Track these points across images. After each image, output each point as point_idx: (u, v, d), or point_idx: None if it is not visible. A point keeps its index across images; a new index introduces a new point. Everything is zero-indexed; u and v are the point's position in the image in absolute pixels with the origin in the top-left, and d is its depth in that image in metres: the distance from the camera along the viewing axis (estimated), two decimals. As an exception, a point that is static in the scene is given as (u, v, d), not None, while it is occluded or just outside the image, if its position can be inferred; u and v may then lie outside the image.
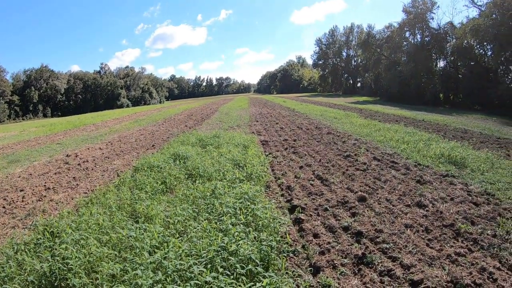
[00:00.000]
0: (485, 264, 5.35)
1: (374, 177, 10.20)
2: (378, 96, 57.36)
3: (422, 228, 6.77)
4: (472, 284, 4.84)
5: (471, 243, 6.09)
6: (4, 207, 9.66)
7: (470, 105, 36.46)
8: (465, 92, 39.73)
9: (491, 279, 5.00)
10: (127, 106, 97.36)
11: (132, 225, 6.78)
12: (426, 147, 13.25)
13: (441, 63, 48.98)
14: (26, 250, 6.30)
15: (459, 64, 43.70)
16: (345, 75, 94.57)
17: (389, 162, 11.58)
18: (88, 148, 18.57)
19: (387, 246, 6.12)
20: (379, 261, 5.70)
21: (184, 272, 4.83)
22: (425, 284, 4.90)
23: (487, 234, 6.33)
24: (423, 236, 6.47)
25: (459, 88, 41.28)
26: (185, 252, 5.34)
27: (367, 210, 7.81)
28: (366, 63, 74.74)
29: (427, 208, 7.68)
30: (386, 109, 32.99)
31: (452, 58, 44.87)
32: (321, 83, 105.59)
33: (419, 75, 46.38)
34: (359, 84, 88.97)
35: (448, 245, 6.08)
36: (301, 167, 11.93)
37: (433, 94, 43.74)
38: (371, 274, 5.40)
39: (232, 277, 4.71)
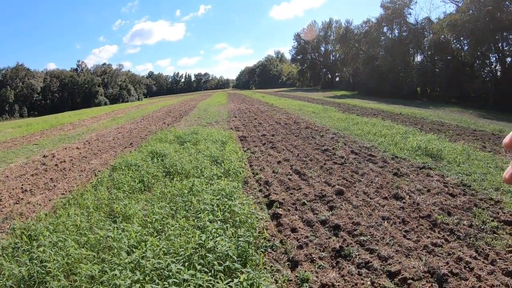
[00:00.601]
0: (461, 253, 5.49)
1: (351, 170, 10.34)
2: (356, 90, 57.83)
3: (399, 220, 6.90)
4: (449, 274, 4.95)
5: (448, 233, 6.23)
6: (-20, 212, 9.44)
7: (447, 99, 37.09)
8: (442, 86, 40.37)
9: (467, 268, 5.13)
10: (105, 104, 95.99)
11: (110, 225, 6.75)
12: (403, 140, 13.46)
13: (419, 58, 49.89)
14: (4, 254, 6.22)
15: (436, 58, 44.47)
16: (324, 69, 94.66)
17: (367, 156, 11.73)
18: (65, 148, 18.27)
19: (365, 239, 6.22)
20: (357, 253, 5.79)
21: (162, 270, 4.85)
22: (403, 274, 5.00)
23: (463, 225, 6.49)
24: (400, 228, 6.59)
25: (436, 82, 41.98)
26: (163, 251, 5.36)
27: (345, 204, 7.92)
28: (345, 57, 74.90)
29: (404, 200, 7.82)
30: (364, 103, 33.35)
31: (430, 52, 45.53)
32: (300, 77, 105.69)
33: (396, 69, 47.02)
34: (337, 79, 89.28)
35: (425, 236, 6.22)
36: (279, 162, 12.01)
37: (411, 88, 44.48)
38: (349, 266, 5.48)
39: (210, 274, 4.74)
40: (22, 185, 11.62)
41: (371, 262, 5.47)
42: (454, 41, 41.00)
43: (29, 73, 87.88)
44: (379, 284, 4.91)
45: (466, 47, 39.48)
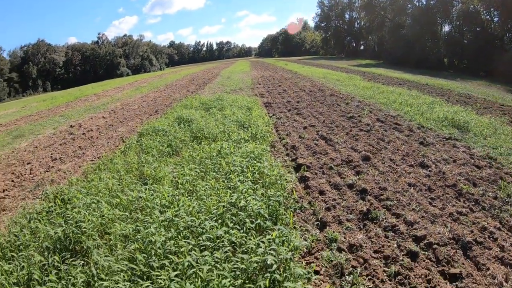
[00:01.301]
0: (486, 224, 5.45)
1: (377, 137, 10.29)
2: (382, 59, 56.23)
3: (425, 187, 6.89)
4: (473, 242, 4.95)
5: (473, 203, 6.19)
6: (13, 180, 9.75)
7: (475, 71, 35.84)
8: (470, 58, 38.90)
9: (491, 238, 5.10)
10: (127, 74, 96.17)
11: (141, 187, 6.90)
12: (430, 110, 13.22)
13: (446, 28, 47.96)
14: (39, 218, 6.42)
15: (464, 29, 42.66)
16: (348, 37, 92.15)
17: (393, 124, 11.61)
18: (91, 118, 18.55)
19: (391, 204, 6.26)
20: (384, 217, 5.84)
21: (195, 228, 4.96)
22: (428, 239, 5.03)
23: (489, 196, 6.42)
24: (426, 195, 6.59)
25: (464, 54, 40.46)
26: (195, 210, 5.47)
27: (371, 169, 7.91)
28: (370, 25, 72.73)
29: (430, 169, 7.77)
30: (390, 72, 32.60)
31: (458, 23, 43.85)
32: (324, 46, 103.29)
33: (423, 39, 45.40)
34: (362, 47, 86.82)
35: (450, 204, 6.20)
36: (305, 128, 12.01)
37: (438, 58, 43.01)
38: (376, 229, 5.54)
39: (242, 231, 4.84)
40: (52, 154, 11.92)
41: (397, 226, 5.51)
42: (484, 12, 39.26)
43: (50, 48, 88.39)
44: (405, 247, 4.95)
45: (496, 19, 37.91)
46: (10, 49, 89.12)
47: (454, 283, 4.28)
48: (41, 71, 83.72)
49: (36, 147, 13.33)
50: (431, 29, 45.55)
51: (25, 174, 10.16)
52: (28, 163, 11.22)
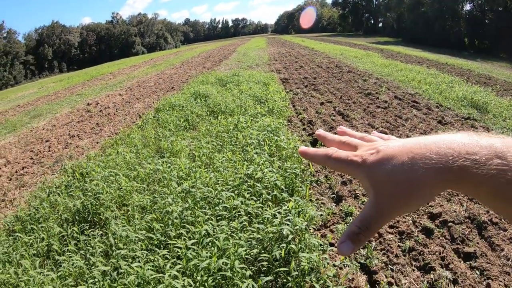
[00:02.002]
0: None
1: (395, 115, 10.16)
2: (400, 37, 55.24)
3: (442, 166, 6.82)
4: (489, 222, 4.88)
5: None
6: (32, 158, 9.94)
7: (496, 53, 34.85)
8: (491, 39, 37.90)
9: (506, 220, 5.07)
10: (143, 53, 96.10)
11: (159, 160, 6.96)
12: (449, 89, 12.95)
13: (468, 6, 46.48)
14: (58, 192, 6.56)
15: (486, 8, 41.37)
16: (366, 14, 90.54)
17: (411, 102, 11.44)
18: (108, 96, 18.68)
19: (408, 179, 6.22)
20: (400, 192, 5.81)
21: (212, 198, 5.00)
22: (444, 217, 4.99)
23: None
24: (443, 173, 6.54)
25: (485, 34, 39.35)
26: (212, 181, 5.51)
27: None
28: (388, 2, 71.09)
29: (447, 147, 7.69)
30: (408, 51, 31.99)
31: (480, 1, 42.58)
32: (341, 22, 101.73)
33: (443, 17, 44.32)
34: (380, 24, 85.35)
35: None
36: (322, 104, 11.92)
37: (458, 38, 42.02)
38: (392, 204, 5.53)
39: (258, 202, 4.86)
40: (69, 131, 12.11)
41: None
42: (507, -9, 38.16)
43: (65, 30, 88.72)
44: (420, 223, 4.93)
45: (519, -1, 36.78)
46: (25, 32, 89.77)
47: (468, 262, 4.24)
48: (56, 52, 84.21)
49: (54, 125, 13.55)
50: (451, 7, 44.35)
51: (43, 152, 10.34)
52: (46, 141, 11.41)
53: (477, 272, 4.10)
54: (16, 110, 19.74)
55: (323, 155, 0.72)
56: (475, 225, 4.87)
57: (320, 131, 0.85)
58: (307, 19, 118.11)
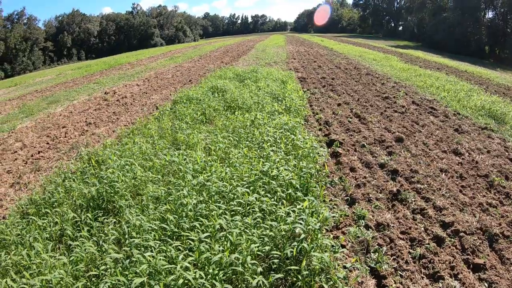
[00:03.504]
0: None
1: (412, 120, 10.10)
2: (420, 42, 54.63)
3: (456, 175, 6.75)
4: (500, 235, 4.84)
5: (504, 196, 6.02)
6: (48, 143, 10.04)
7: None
8: (512, 49, 37.59)
9: None
10: (161, 45, 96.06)
11: (174, 152, 6.99)
12: (467, 97, 12.79)
13: (490, 14, 46.11)
14: (73, 178, 6.62)
15: (508, 17, 40.94)
16: (387, 17, 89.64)
17: (428, 108, 11.35)
18: (126, 85, 18.81)
19: (421, 187, 6.18)
20: (413, 199, 5.78)
21: (226, 193, 5.03)
22: (455, 227, 4.96)
23: None
24: (457, 182, 6.47)
25: (507, 43, 38.94)
26: (228, 176, 5.54)
27: (404, 151, 7.81)
28: (410, 5, 70.23)
29: (463, 156, 7.60)
30: (428, 56, 31.66)
31: (502, 10, 42.01)
32: (361, 24, 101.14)
33: (465, 24, 43.75)
34: (400, 28, 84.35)
35: (481, 194, 6.06)
36: (339, 105, 11.91)
37: (478, 46, 41.53)
38: (404, 210, 5.51)
39: (273, 199, 4.88)
40: (86, 119, 12.20)
41: (426, 209, 5.46)
42: (531, 1, 37.50)
43: (85, 18, 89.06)
44: (432, 231, 4.90)
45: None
46: (45, 19, 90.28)
47: (477, 273, 4.23)
48: (75, 40, 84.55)
49: (71, 112, 13.66)
50: (473, 15, 43.81)
51: (60, 137, 10.44)
52: (63, 127, 11.51)
53: (486, 284, 4.08)
54: (34, 95, 19.90)
55: None
56: (486, 237, 4.84)
57: None
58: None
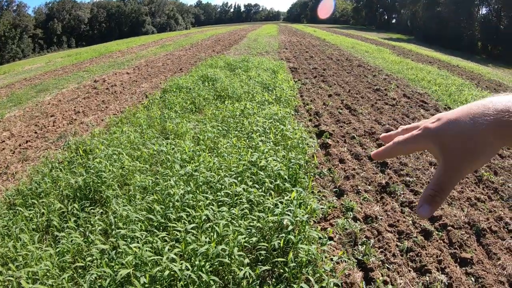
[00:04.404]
0: (502, 213, 5.30)
1: (402, 113, 10.10)
2: (413, 35, 54.84)
3: (445, 169, 6.77)
4: (488, 230, 4.84)
5: (492, 191, 6.02)
6: (36, 132, 9.91)
7: (508, 60, 34.53)
8: (505, 45, 37.57)
9: (506, 229, 4.95)
10: (152, 32, 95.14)
11: (163, 141, 6.94)
12: (458, 92, 12.82)
13: (484, 10, 46.27)
14: (60, 167, 6.56)
15: (502, 14, 41.03)
16: (380, 9, 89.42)
17: (419, 101, 11.35)
18: (115, 74, 18.58)
19: (410, 180, 6.17)
20: (402, 192, 5.77)
21: (214, 184, 4.98)
22: (443, 221, 4.95)
23: (508, 186, 6.23)
24: (446, 177, 6.49)
25: (499, 40, 39.07)
26: (216, 166, 5.48)
27: (394, 143, 7.82)
28: (404, -2, 70.92)
29: (453, 151, 7.64)
30: (420, 49, 31.67)
31: (496, 6, 42.10)
32: (354, 15, 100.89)
33: (458, 19, 43.95)
34: (394, 21, 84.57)
35: (469, 189, 6.05)
36: (330, 96, 11.89)
37: (471, 41, 41.81)
38: (393, 203, 5.49)
39: (261, 190, 4.84)
40: (75, 107, 12.05)
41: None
42: (526, -2, 37.56)
43: (75, 5, 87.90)
44: (420, 225, 4.89)
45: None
46: (35, 6, 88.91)
47: (464, 267, 4.23)
48: (66, 27, 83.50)
49: (59, 100, 13.49)
50: (467, 10, 43.96)
51: (48, 126, 10.31)
52: (51, 116, 11.36)
53: (472, 278, 4.08)
54: (22, 83, 19.62)
55: (392, 145, 0.81)
56: (474, 232, 4.84)
57: (383, 134, 0.95)
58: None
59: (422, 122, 0.79)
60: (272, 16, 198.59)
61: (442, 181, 0.69)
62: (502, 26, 39.93)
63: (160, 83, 14.71)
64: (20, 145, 8.98)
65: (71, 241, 4.21)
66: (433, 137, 0.72)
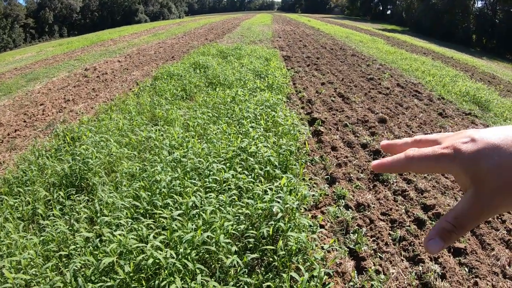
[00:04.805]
0: None
1: (396, 102, 10.04)
2: (408, 27, 54.54)
3: (439, 158, 6.71)
4: None
5: None
6: (25, 121, 9.76)
7: (502, 53, 34.66)
8: (499, 39, 37.61)
9: (499, 219, 4.96)
10: (145, 21, 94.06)
11: (152, 128, 6.85)
12: (452, 83, 12.77)
13: (479, 4, 46.24)
14: (47, 155, 6.45)
15: (497, 8, 40.90)
16: (375, 0, 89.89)
17: (413, 91, 11.30)
18: (107, 62, 18.36)
19: (404, 169, 6.12)
20: (394, 181, 5.70)
21: (202, 170, 4.86)
22: (437, 209, 4.88)
23: None
24: (440, 166, 6.42)
25: (494, 33, 39.05)
26: (204, 152, 5.36)
27: (387, 132, 7.74)
28: (399, -10, 70.70)
29: (446, 140, 7.58)
30: (415, 41, 31.59)
31: (492, 0, 42.28)
32: (349, 6, 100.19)
33: (453, 11, 43.79)
34: (388, 12, 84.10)
35: None
36: (323, 84, 11.78)
37: (466, 34, 41.59)
38: (385, 191, 5.43)
39: (250, 176, 4.72)
40: (65, 96, 11.89)
41: (407, 191, 5.39)
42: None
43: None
44: (413, 213, 4.84)
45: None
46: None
47: (457, 258, 4.17)
48: (57, 16, 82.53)
49: (49, 89, 13.30)
50: (462, 2, 43.77)
51: (37, 115, 10.16)
52: (41, 104, 11.20)
53: (466, 269, 4.02)
54: (12, 73, 19.32)
55: (404, 159, 0.63)
56: (468, 222, 4.77)
57: (385, 142, 0.75)
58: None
59: (445, 136, 0.64)
60: (266, 5, 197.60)
61: (466, 216, 0.56)
62: (497, 19, 39.88)
63: (152, 70, 14.55)
64: (8, 134, 8.83)
65: (56, 229, 4.10)
66: (465, 164, 0.57)
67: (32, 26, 76.19)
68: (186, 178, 4.66)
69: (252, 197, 4.28)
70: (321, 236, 4.32)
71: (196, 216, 3.93)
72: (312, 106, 9.30)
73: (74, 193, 5.02)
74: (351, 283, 3.76)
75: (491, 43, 40.27)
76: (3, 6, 67.89)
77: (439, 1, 46.31)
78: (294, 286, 3.43)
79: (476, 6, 46.10)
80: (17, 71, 19.49)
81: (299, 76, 12.71)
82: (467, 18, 43.73)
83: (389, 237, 4.42)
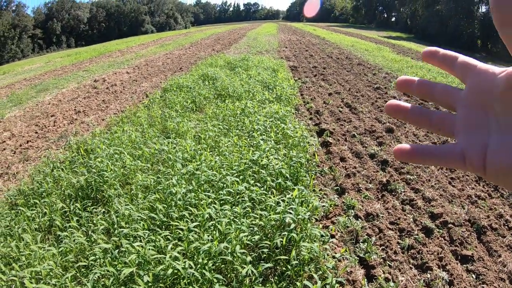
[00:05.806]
0: (503, 211, 5.30)
1: (403, 112, 10.12)
2: (413, 34, 54.50)
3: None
4: (488, 227, 4.85)
5: (492, 189, 6.01)
6: (36, 132, 9.90)
7: (508, 59, 34.54)
8: (504, 44, 37.62)
9: (506, 226, 4.97)
10: (152, 32, 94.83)
11: (164, 140, 6.96)
12: (459, 89, 12.91)
13: (483, 8, 46.03)
14: (62, 167, 6.57)
15: (502, 12, 41.07)
16: (380, 7, 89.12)
17: (419, 100, 11.37)
18: (115, 73, 18.55)
19: (411, 178, 6.19)
20: (402, 190, 5.78)
21: (216, 182, 5.00)
22: (444, 218, 4.96)
23: None
24: (447, 174, 6.46)
25: (499, 38, 38.78)
26: (217, 164, 5.49)
27: (394, 141, 7.80)
28: (403, -3, 70.57)
29: (453, 150, 7.64)
30: (420, 48, 31.44)
31: (496, 4, 42.13)
32: (354, 14, 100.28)
33: (458, 17, 43.90)
34: (393, 19, 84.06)
35: (470, 186, 6.05)
36: (330, 94, 11.87)
37: (471, 39, 41.63)
38: (394, 201, 5.51)
39: (262, 188, 4.86)
40: (75, 107, 12.01)
41: (415, 200, 5.47)
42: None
43: (75, 5, 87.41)
44: (421, 222, 4.91)
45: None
46: (34, 6, 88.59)
47: (465, 265, 4.25)
48: (65, 27, 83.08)
49: (60, 100, 13.45)
50: (467, 8, 43.78)
51: (48, 126, 10.29)
52: (52, 116, 11.33)
53: (473, 275, 4.10)
54: (22, 83, 19.51)
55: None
56: (474, 229, 4.85)
57: (404, 77, 0.55)
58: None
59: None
60: (271, 15, 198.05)
61: None
62: (502, 24, 39.78)
63: (161, 82, 14.71)
64: (21, 145, 8.98)
65: (74, 240, 4.23)
66: None
67: (40, 37, 76.63)
68: (200, 191, 4.79)
69: (265, 208, 4.42)
70: (332, 246, 4.43)
71: (212, 227, 4.06)
72: (320, 117, 9.41)
73: (90, 205, 5.14)
74: (362, 291, 3.87)
75: (496, 48, 40.15)
76: (12, 17, 68.53)
77: (443, 7, 46.35)
78: (307, 295, 3.52)
79: (480, 11, 46.11)
80: (27, 82, 19.68)
81: (306, 87, 12.82)
82: (471, 24, 43.71)
83: (398, 246, 4.51)
